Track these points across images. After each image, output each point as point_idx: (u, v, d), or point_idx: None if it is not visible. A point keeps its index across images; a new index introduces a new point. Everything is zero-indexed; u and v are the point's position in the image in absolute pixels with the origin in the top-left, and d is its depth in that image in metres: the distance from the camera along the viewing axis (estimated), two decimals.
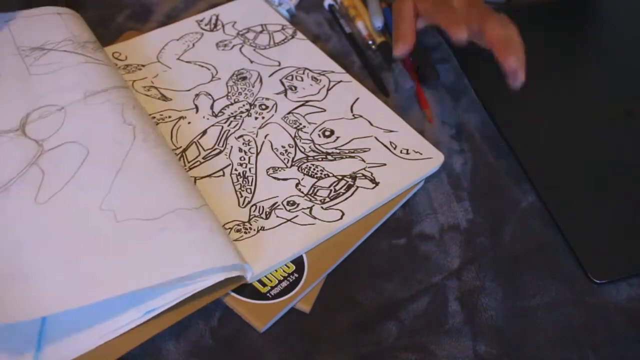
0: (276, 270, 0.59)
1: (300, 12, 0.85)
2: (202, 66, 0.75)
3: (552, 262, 0.63)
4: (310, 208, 0.63)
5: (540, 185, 0.67)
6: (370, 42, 0.81)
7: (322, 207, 0.63)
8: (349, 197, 0.64)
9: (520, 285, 0.61)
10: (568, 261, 0.63)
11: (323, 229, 0.61)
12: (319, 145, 0.68)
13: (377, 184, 0.65)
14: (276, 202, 0.63)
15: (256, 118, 0.71)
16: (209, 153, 0.67)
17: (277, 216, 0.62)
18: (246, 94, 0.73)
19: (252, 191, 0.64)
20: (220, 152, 0.67)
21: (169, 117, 0.70)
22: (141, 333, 0.54)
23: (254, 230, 0.61)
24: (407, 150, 0.68)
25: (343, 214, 0.63)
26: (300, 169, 0.66)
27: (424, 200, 0.66)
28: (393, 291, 0.60)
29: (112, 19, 0.80)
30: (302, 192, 0.64)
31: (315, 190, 0.64)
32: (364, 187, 0.65)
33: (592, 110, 0.74)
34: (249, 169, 0.66)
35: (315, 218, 0.62)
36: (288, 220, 0.62)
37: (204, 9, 0.83)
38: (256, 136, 0.69)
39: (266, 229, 0.61)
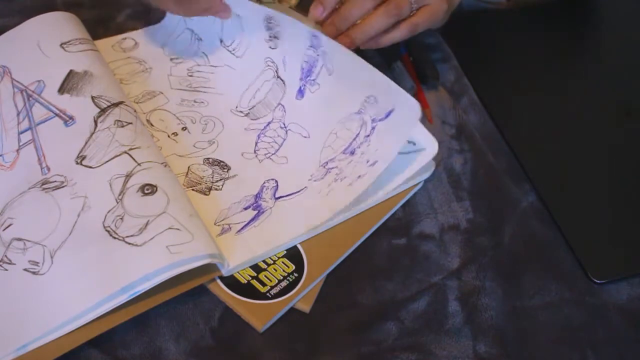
0: (275, 270, 0.59)
1: None
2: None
3: (552, 262, 0.63)
4: None
5: (540, 185, 0.67)
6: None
7: None
8: None
9: (520, 285, 0.61)
10: (568, 261, 0.63)
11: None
12: None
13: None
14: None
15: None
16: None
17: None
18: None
19: None
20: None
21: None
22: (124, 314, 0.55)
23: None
24: None
25: None
26: None
27: (424, 200, 0.66)
28: (393, 291, 0.60)
29: (112, 18, 0.80)
30: None
31: None
32: None
33: (592, 110, 0.74)
34: None
35: None
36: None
37: None
38: None
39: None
